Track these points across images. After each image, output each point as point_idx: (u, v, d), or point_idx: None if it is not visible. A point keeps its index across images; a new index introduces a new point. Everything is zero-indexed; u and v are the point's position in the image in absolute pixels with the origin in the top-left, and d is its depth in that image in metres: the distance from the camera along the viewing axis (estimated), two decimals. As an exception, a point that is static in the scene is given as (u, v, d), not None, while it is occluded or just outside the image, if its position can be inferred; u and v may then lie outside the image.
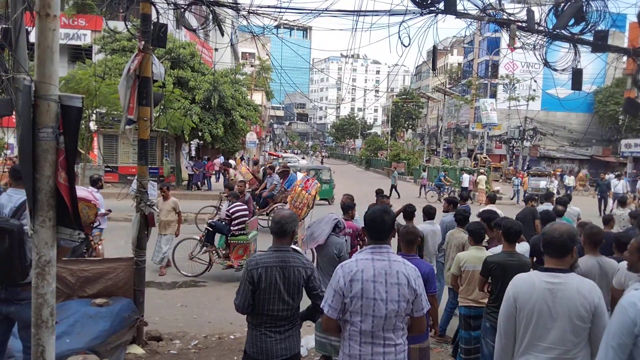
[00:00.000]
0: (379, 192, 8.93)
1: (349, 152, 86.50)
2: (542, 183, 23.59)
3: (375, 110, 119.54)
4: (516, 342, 2.93)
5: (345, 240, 5.80)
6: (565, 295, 2.79)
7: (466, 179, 25.35)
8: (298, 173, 14.48)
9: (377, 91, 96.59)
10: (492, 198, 9.40)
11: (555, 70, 5.82)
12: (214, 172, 25.49)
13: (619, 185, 20.12)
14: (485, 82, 46.92)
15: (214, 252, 8.94)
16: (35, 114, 2.82)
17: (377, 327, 2.86)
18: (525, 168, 38.60)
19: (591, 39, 5.79)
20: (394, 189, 24.73)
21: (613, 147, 43.41)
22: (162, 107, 13.83)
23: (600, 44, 5.56)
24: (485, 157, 35.85)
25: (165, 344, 5.88)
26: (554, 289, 2.82)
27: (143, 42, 5.43)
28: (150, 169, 17.70)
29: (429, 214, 6.82)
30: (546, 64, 5.91)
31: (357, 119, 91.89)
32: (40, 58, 2.81)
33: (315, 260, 6.00)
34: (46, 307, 2.94)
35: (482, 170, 28.04)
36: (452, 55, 64.77)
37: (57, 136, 2.84)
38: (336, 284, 2.91)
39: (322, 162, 55.02)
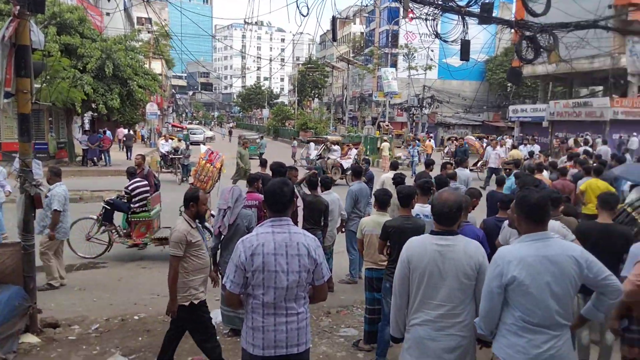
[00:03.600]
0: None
1: (257, 122, 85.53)
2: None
3: (282, 79, 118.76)
4: (409, 301, 3.12)
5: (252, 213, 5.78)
6: (454, 257, 3.01)
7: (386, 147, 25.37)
8: (202, 146, 14.11)
9: (282, 60, 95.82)
10: (394, 165, 9.82)
11: (446, 41, 6.10)
12: (116, 144, 24.13)
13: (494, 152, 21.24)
14: (386, 51, 48.18)
15: (113, 231, 8.50)
16: None
17: (280, 298, 2.90)
18: (425, 134, 40.60)
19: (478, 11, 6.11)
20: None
21: (502, 113, 46.76)
22: (46, 77, 12.66)
23: (486, 16, 5.89)
24: (387, 125, 37.11)
25: (62, 331, 5.57)
26: (444, 251, 3.02)
27: (18, 7, 4.90)
28: (37, 145, 16.32)
29: (326, 184, 7.27)
30: (437, 35, 6.17)
31: (263, 88, 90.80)
32: None
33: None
34: None
35: (385, 138, 29.07)
36: (354, 24, 65.60)
37: None
38: (237, 259, 2.90)
39: (230, 134, 54.02)
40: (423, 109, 43.77)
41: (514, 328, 2.75)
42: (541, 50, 7.15)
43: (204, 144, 21.02)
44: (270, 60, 63.13)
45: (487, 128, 48.70)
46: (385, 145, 25.72)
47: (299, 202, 6.49)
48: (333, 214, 7.15)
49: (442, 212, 3.07)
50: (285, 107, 66.91)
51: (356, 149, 21.64)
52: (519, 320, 2.73)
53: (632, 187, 7.83)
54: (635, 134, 28.36)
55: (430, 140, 31.60)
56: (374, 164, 25.65)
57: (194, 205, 4.40)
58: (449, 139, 29.92)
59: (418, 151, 24.98)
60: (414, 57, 42.59)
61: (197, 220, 4.45)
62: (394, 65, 47.87)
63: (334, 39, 9.50)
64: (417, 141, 27.64)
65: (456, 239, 3.05)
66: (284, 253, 2.89)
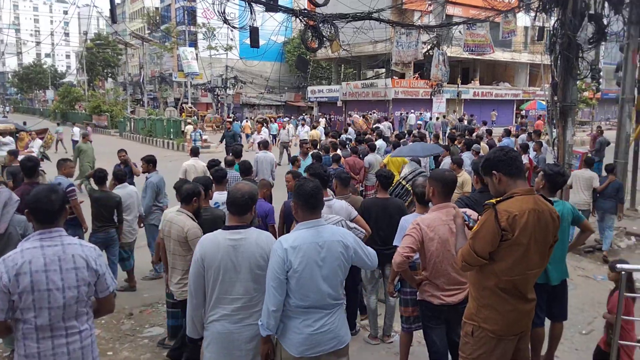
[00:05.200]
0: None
1: (39, 106, 75.26)
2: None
3: (68, 57, 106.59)
4: (206, 299, 3.08)
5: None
6: (246, 249, 3.04)
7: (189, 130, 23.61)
8: None
9: (67, 34, 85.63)
10: (194, 151, 9.53)
11: (234, 27, 6.09)
12: None
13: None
14: (184, 29, 46.50)
15: None
16: None
17: (56, 319, 2.58)
18: (231, 114, 40.61)
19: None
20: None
21: (302, 93, 49.23)
22: None
23: (271, 4, 6.03)
24: (190, 107, 36.11)
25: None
26: (237, 245, 3.03)
27: None
28: None
29: (119, 177, 6.81)
30: (225, 21, 6.12)
31: (45, 66, 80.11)
32: None
33: None
34: None
35: (189, 121, 28.23)
36: (148, -2, 61.66)
37: None
38: None
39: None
40: (227, 89, 43.65)
41: (289, 312, 2.91)
42: (324, 39, 7.68)
43: None
44: (51, 33, 55.82)
45: (289, 108, 50.83)
46: (189, 128, 25.00)
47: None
48: (131, 209, 6.71)
49: (234, 200, 3.07)
50: (74, 87, 60.14)
51: (41, 139, 16.93)
52: (292, 305, 2.88)
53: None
54: (412, 110, 32.55)
55: (247, 121, 31.63)
56: (179, 148, 24.76)
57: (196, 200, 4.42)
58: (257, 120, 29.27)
59: (200, 134, 23.02)
60: (215, 36, 41.98)
61: None
62: (194, 44, 46.51)
63: (113, 20, 8.71)
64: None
65: (248, 232, 3.08)
66: (58, 268, 2.57)
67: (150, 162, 7.30)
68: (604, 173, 9.19)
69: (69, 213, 2.74)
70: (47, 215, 2.63)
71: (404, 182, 6.78)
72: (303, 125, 23.04)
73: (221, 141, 18.09)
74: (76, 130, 22.45)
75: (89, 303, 2.74)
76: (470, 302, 2.99)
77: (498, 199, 2.83)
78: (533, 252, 2.79)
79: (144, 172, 7.48)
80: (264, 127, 21.82)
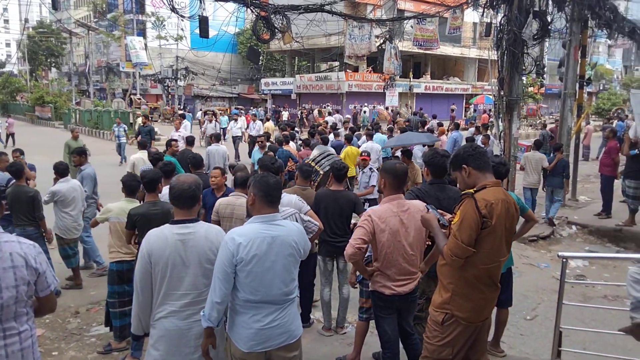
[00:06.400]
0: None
1: (-23, 96, 70.97)
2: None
3: (8, 45, 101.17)
4: (153, 296, 2.99)
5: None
6: (195, 244, 2.97)
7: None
8: None
9: (6, 21, 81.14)
10: (143, 144, 9.30)
11: (182, 17, 5.93)
12: None
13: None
14: (132, 17, 44.91)
15: None
16: None
17: (-7, 320, 2.45)
18: (182, 107, 39.70)
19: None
20: None
21: (256, 85, 48.68)
22: None
23: (222, -6, 5.90)
24: (139, 99, 35.06)
25: None
26: (185, 239, 2.96)
27: None
28: None
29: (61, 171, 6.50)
30: (173, 9, 5.95)
31: (-18, 54, 75.66)
32: None
33: None
34: None
35: (138, 112, 27.41)
36: (95, -16, 59.14)
37: None
38: None
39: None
40: (178, 80, 42.60)
41: (237, 307, 2.88)
42: (276, 30, 7.60)
43: None
44: (-11, 20, 52.69)
45: (242, 100, 50.17)
46: (139, 120, 24.25)
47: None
48: (75, 203, 6.45)
49: (182, 193, 2.99)
50: (15, 77, 57.06)
51: None
52: (241, 299, 2.85)
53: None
54: (366, 104, 32.86)
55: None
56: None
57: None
58: (206, 112, 27.70)
59: (125, 130, 19.45)
60: (164, 26, 40.83)
61: None
62: (142, 33, 45.02)
63: (54, 7, 8.30)
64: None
65: (196, 226, 3.01)
66: (-6, 267, 2.44)
67: (82, 154, 7.14)
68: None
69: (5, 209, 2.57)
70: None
71: (313, 164, 7.05)
72: (254, 120, 21.50)
73: (136, 136, 16.46)
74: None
75: (29, 303, 2.61)
76: (441, 291, 3.09)
77: (472, 190, 2.94)
78: (503, 240, 2.96)
79: (76, 166, 7.25)
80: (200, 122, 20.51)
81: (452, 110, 32.72)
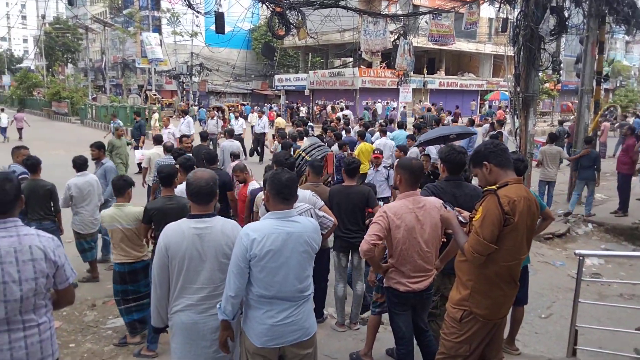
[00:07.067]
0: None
1: (-5, 91, 72.12)
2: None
3: (25, 41, 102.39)
4: (170, 289, 3.02)
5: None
6: (212, 238, 2.99)
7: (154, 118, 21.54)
8: None
9: (24, 17, 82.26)
10: (157, 139, 9.37)
11: (199, 12, 5.95)
12: None
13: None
14: (147, 14, 45.23)
15: None
16: None
17: (13, 312, 2.49)
18: (196, 102, 39.92)
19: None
20: None
21: (270, 81, 48.75)
22: None
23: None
24: (155, 95, 35.30)
25: None
26: (202, 234, 2.98)
27: None
28: None
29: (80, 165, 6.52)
30: (190, 5, 5.97)
31: (0, 50, 76.72)
32: None
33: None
34: None
35: (154, 108, 27.58)
36: (110, -19, 59.60)
37: None
38: None
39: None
40: (193, 76, 42.83)
41: (252, 302, 2.90)
42: (291, 26, 7.59)
43: None
44: (7, 16, 53.47)
45: (256, 96, 50.31)
46: (155, 116, 24.42)
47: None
48: (91, 198, 6.51)
49: (200, 189, 3.00)
50: (32, 73, 57.82)
51: None
52: (255, 294, 2.87)
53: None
54: (379, 100, 32.72)
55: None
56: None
57: None
58: (214, 108, 27.11)
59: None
60: (179, 22, 41.01)
61: None
62: (158, 29, 45.32)
63: (70, 2, 8.41)
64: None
65: (213, 221, 3.03)
66: (14, 260, 2.47)
67: (101, 148, 7.21)
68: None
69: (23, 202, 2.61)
70: (1, 205, 2.52)
71: (303, 154, 7.11)
72: (260, 116, 19.93)
73: (132, 136, 16.38)
74: (3, 116, 20.80)
75: (47, 295, 2.65)
76: (459, 288, 3.08)
77: (494, 186, 2.92)
78: (524, 238, 2.95)
79: (94, 159, 7.31)
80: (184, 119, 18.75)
81: (472, 107, 32.39)
